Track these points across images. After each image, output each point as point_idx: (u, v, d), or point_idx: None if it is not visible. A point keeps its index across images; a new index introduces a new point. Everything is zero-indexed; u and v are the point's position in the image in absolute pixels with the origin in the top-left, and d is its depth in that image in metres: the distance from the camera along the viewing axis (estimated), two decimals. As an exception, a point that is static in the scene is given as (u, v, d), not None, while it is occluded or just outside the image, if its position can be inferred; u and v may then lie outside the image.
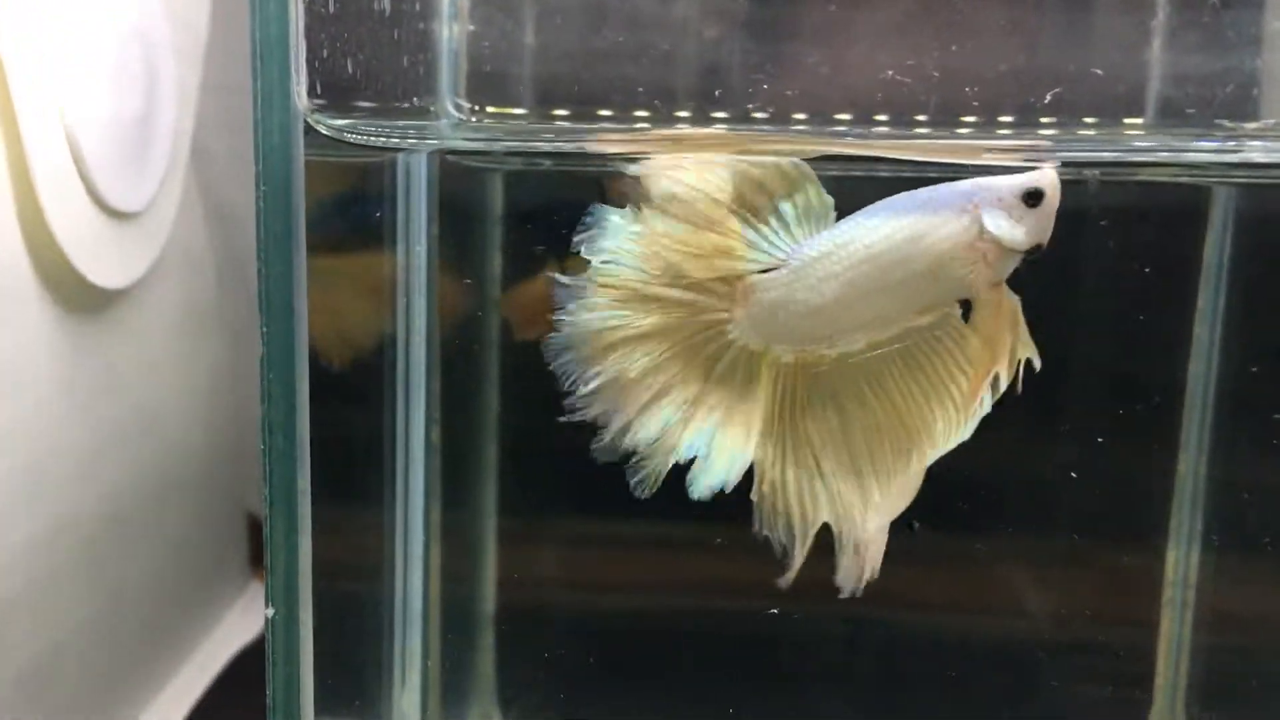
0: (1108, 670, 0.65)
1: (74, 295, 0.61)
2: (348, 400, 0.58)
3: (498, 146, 0.56)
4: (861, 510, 0.48)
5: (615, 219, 0.46)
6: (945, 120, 0.51)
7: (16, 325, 0.57)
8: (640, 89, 0.53)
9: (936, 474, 0.52)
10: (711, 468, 0.49)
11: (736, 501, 0.64)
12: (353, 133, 0.48)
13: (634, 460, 0.50)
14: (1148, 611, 0.63)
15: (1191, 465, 0.62)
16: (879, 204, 0.45)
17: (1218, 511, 0.62)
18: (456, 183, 0.60)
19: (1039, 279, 0.59)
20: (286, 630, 0.46)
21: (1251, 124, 0.54)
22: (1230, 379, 0.61)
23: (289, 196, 0.42)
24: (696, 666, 0.66)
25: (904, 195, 0.44)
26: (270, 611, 0.45)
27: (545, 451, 0.65)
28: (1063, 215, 0.60)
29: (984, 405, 0.46)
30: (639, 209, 0.45)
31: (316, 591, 0.54)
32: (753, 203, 0.45)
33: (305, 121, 0.43)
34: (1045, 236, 0.45)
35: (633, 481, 0.49)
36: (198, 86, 0.71)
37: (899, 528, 0.50)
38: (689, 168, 0.44)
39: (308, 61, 0.44)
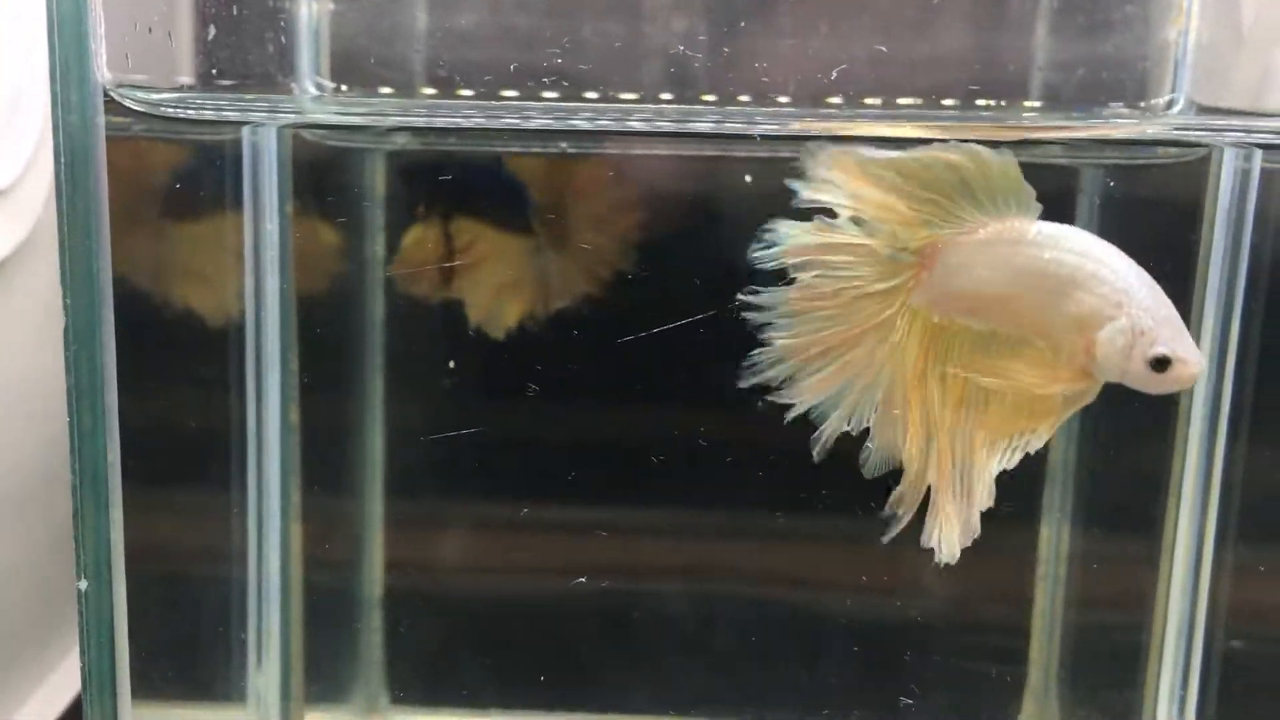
0: (984, 647, 0.65)
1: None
2: (193, 380, 0.58)
3: (354, 121, 0.56)
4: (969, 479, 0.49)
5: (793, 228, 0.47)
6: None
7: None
8: (515, 71, 0.54)
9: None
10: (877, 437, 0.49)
11: (625, 484, 0.65)
12: (177, 106, 0.48)
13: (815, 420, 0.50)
14: (1022, 588, 0.63)
15: (1062, 446, 0.62)
16: (1089, 236, 0.46)
17: (1087, 489, 0.63)
18: (321, 162, 0.61)
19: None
20: (99, 603, 0.46)
21: (1128, 105, 0.54)
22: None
23: (89, 170, 0.43)
24: (584, 648, 0.67)
25: (1108, 246, 0.46)
26: (83, 584, 0.46)
27: (432, 432, 0.66)
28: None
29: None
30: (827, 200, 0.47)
31: (159, 573, 0.54)
32: (956, 178, 0.46)
33: (108, 95, 0.43)
34: (1144, 389, 0.45)
35: (813, 445, 0.49)
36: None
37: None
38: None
39: (114, 35, 0.44)
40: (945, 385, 0.48)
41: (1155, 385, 0.44)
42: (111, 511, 0.46)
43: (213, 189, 0.55)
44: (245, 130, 0.54)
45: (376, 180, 0.63)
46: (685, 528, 0.66)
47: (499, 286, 0.64)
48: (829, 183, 0.46)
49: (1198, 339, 0.54)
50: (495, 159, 0.62)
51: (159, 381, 0.56)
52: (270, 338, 0.57)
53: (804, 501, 0.63)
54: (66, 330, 0.44)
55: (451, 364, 0.63)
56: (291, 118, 0.54)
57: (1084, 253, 0.45)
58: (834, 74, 0.51)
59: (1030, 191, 0.46)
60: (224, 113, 0.51)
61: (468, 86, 0.55)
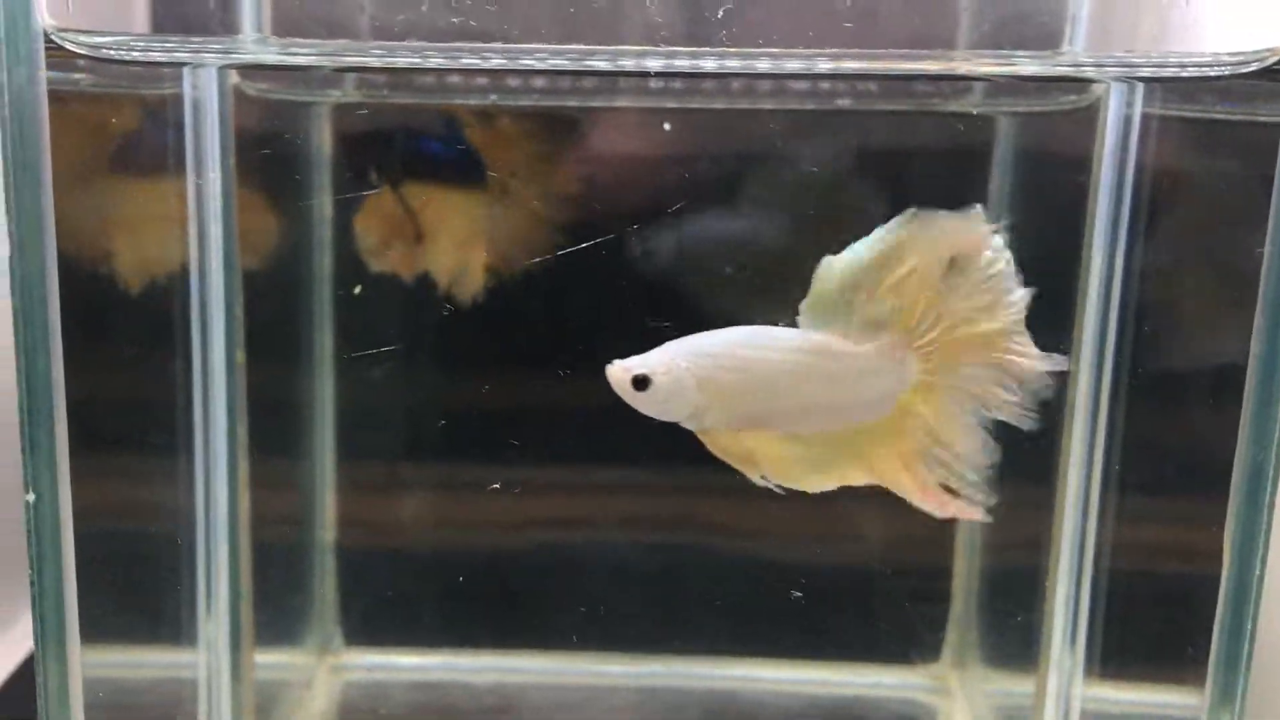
0: (909, 577, 0.68)
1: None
2: (139, 328, 0.60)
3: (291, 61, 0.57)
4: None
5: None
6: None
7: None
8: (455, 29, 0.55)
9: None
10: None
11: (569, 443, 0.67)
12: (118, 49, 0.50)
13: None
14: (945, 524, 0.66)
15: None
16: None
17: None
18: (263, 115, 0.63)
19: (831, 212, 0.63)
20: (47, 516, 0.48)
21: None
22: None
23: (34, 118, 0.45)
24: (527, 596, 0.69)
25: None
26: (31, 497, 0.47)
27: (380, 382, 0.67)
28: (846, 149, 0.64)
29: None
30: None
31: (108, 524, 0.56)
32: None
33: (50, 40, 0.45)
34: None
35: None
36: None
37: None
38: None
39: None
40: None
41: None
42: (57, 428, 0.47)
43: (155, 139, 0.57)
44: (186, 76, 0.55)
45: (317, 134, 0.65)
46: (631, 480, 0.69)
47: (453, 243, 0.66)
48: None
49: (1085, 282, 0.57)
50: (442, 115, 0.63)
51: (105, 329, 0.58)
52: (214, 285, 0.59)
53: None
54: (12, 275, 0.46)
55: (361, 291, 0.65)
56: (232, 59, 0.55)
57: None
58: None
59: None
60: (171, 54, 0.52)
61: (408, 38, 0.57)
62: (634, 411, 0.59)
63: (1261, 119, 0.46)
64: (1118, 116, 0.54)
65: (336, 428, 0.70)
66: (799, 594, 0.63)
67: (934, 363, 0.48)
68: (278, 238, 0.65)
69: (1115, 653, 0.59)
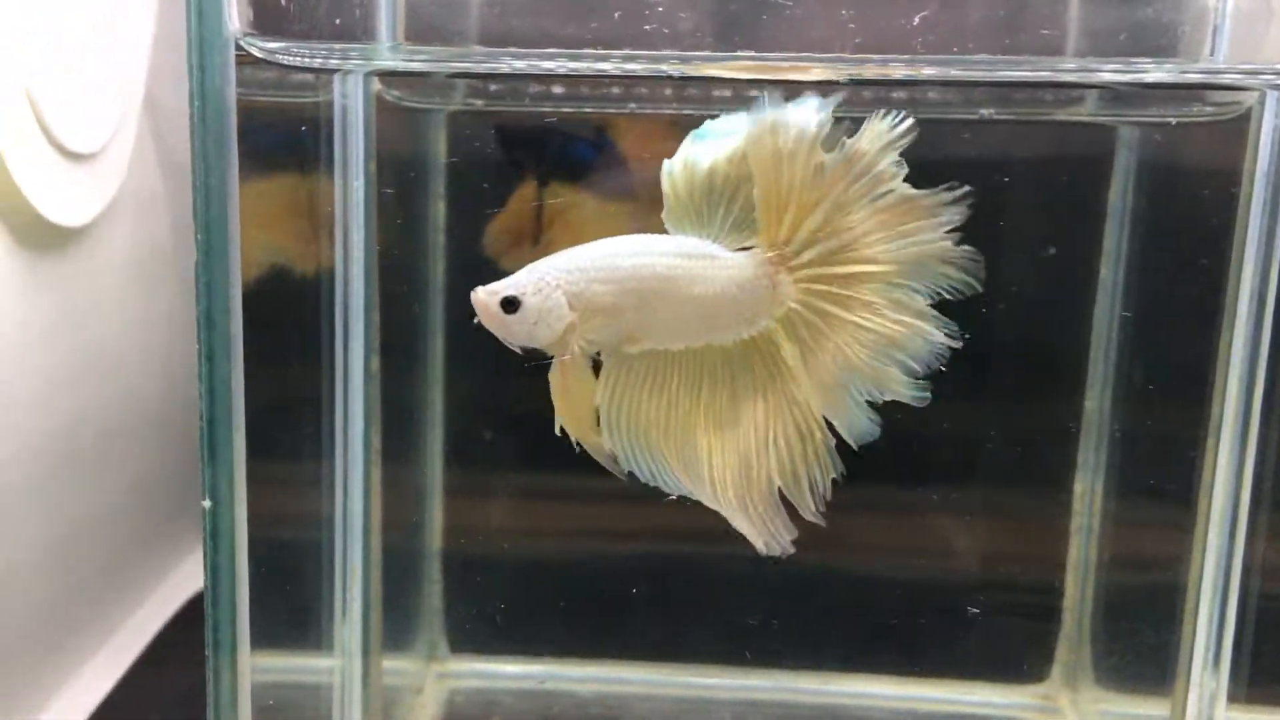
0: (1021, 595, 0.68)
1: (30, 232, 0.64)
2: (282, 328, 0.60)
3: (438, 68, 0.57)
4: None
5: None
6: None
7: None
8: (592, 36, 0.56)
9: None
10: None
11: None
12: (287, 55, 0.50)
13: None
14: (1057, 539, 0.66)
15: (1098, 400, 0.64)
16: None
17: (1121, 444, 0.65)
18: (398, 124, 0.63)
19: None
20: (226, 520, 0.48)
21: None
22: (1134, 320, 0.64)
23: (222, 121, 0.45)
24: (631, 606, 0.69)
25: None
26: (208, 503, 0.47)
27: (490, 396, 0.67)
28: (973, 159, 0.64)
29: None
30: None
31: (255, 529, 0.56)
32: None
33: (238, 45, 0.45)
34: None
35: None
36: (151, 36, 0.74)
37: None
38: None
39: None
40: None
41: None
42: (235, 435, 0.47)
43: (304, 145, 0.57)
44: (336, 82, 0.56)
45: (446, 141, 0.65)
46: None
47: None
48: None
49: (1235, 295, 0.56)
50: (577, 121, 0.63)
51: (257, 336, 0.58)
52: (356, 291, 0.59)
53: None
54: (198, 279, 0.46)
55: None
56: (372, 64, 0.55)
57: None
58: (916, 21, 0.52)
59: None
60: (319, 60, 0.53)
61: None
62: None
63: None
64: (1272, 128, 0.54)
65: (445, 434, 0.70)
66: (921, 614, 0.62)
67: (809, 296, 0.46)
68: (408, 244, 0.65)
69: (1261, 675, 0.58)
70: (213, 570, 0.48)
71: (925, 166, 0.64)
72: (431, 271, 0.67)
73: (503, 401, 0.68)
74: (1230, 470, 0.57)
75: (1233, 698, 0.58)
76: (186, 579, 0.86)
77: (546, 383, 0.67)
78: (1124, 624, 0.66)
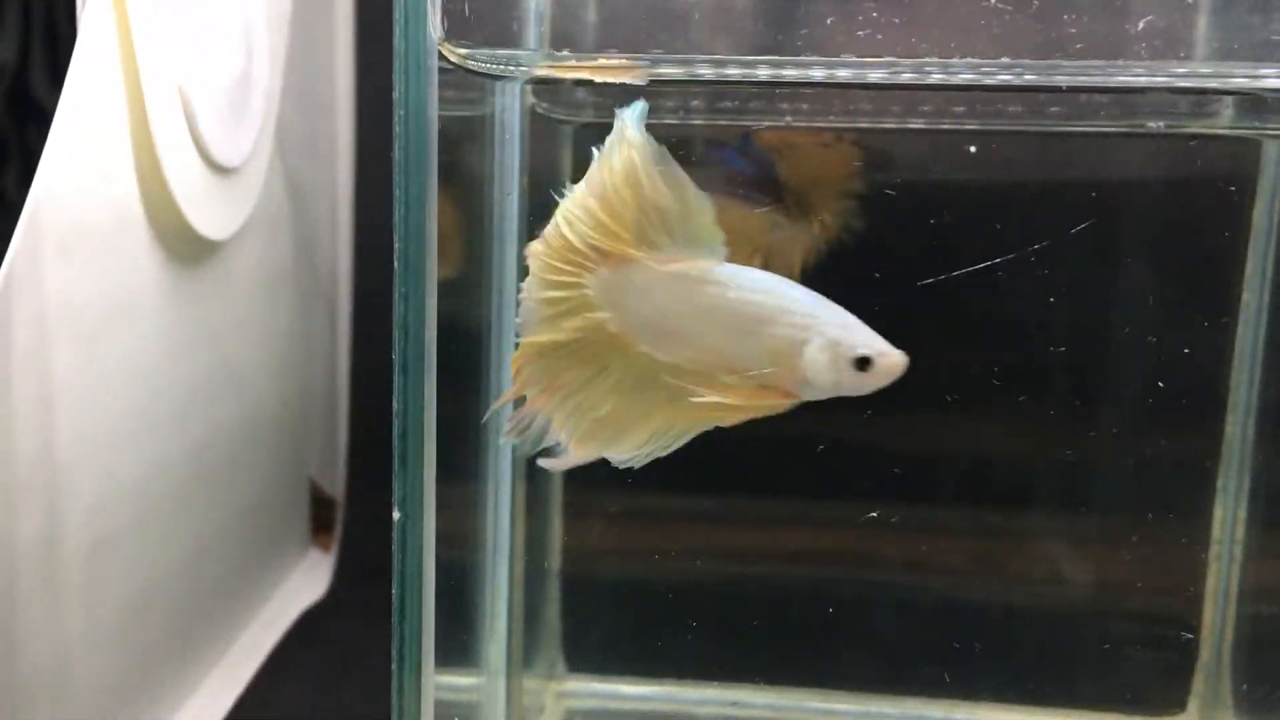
0: (1157, 623, 0.67)
1: (181, 244, 0.64)
2: (448, 343, 0.60)
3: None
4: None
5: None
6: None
7: (131, 270, 0.59)
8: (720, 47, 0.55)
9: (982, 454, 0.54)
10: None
11: (790, 474, 0.67)
12: (474, 60, 0.50)
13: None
14: (1195, 567, 0.65)
15: (1239, 426, 0.63)
16: (767, 274, 0.48)
17: (1263, 470, 0.64)
18: (546, 137, 0.63)
19: (1078, 238, 0.62)
20: (411, 537, 0.48)
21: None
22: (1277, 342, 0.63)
23: (424, 129, 0.45)
24: (741, 626, 0.68)
25: (788, 283, 0.48)
26: (398, 515, 0.47)
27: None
28: (1107, 176, 0.63)
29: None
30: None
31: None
32: (660, 207, 0.48)
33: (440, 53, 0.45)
34: (860, 393, 0.48)
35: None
36: (284, 54, 0.74)
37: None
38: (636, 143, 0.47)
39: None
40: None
41: (869, 383, 0.47)
42: (426, 447, 0.47)
43: (471, 155, 0.57)
44: (498, 89, 0.56)
45: (572, 152, 0.65)
46: (860, 516, 0.68)
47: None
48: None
49: None
50: (742, 134, 0.63)
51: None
52: (508, 306, 0.59)
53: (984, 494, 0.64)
54: (397, 291, 0.46)
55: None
56: (542, 72, 0.55)
57: (766, 289, 0.47)
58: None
59: (720, 235, 0.48)
60: (501, 66, 0.53)
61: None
62: (866, 443, 0.59)
63: None
64: None
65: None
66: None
67: None
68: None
69: None
70: (400, 583, 0.48)
71: (1050, 185, 0.64)
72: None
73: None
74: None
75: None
76: (297, 594, 0.85)
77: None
78: (1264, 655, 0.65)
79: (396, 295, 0.46)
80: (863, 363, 0.47)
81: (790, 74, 0.55)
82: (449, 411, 0.58)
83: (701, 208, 0.47)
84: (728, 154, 0.63)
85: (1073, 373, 0.64)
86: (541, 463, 0.51)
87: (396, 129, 0.45)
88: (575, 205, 0.47)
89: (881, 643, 0.67)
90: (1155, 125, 0.59)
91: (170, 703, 0.69)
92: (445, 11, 0.49)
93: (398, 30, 0.44)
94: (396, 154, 0.45)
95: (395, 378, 0.46)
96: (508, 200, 0.58)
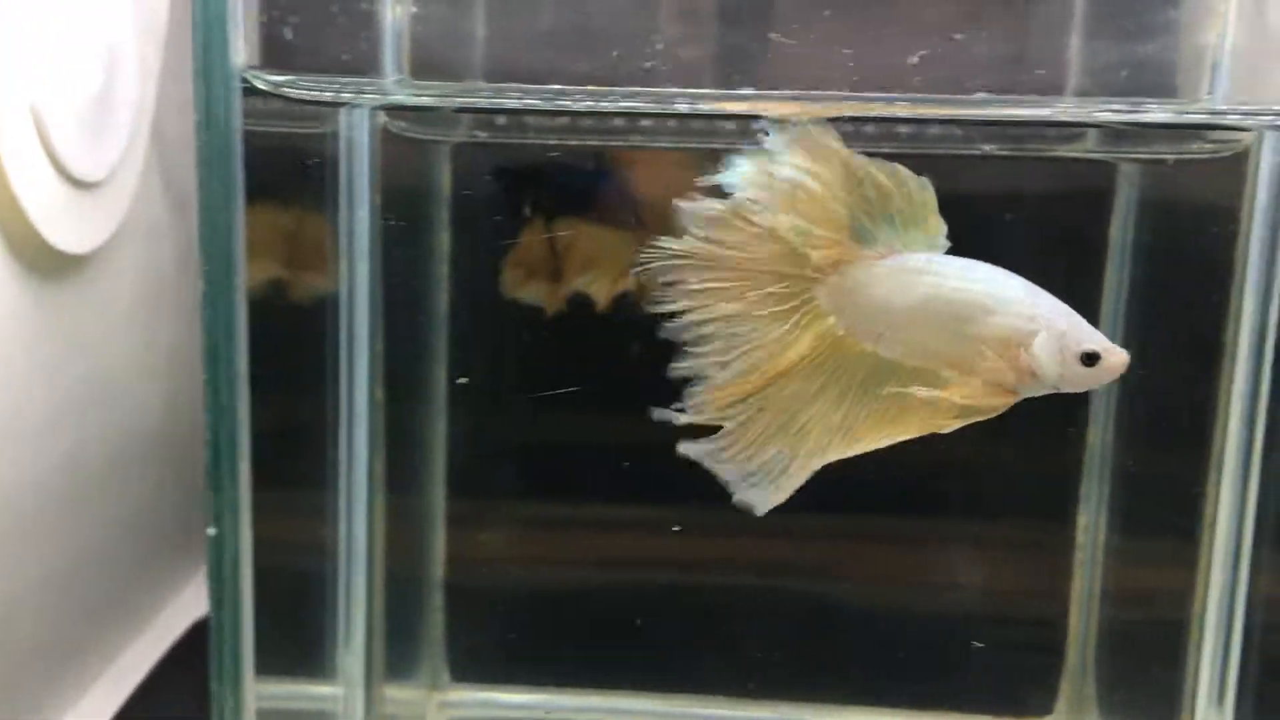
0: (1025, 628, 0.68)
1: (37, 259, 0.64)
2: (289, 357, 0.61)
3: (445, 103, 0.58)
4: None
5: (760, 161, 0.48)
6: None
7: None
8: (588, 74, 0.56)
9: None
10: (709, 388, 0.50)
11: (685, 482, 0.67)
12: (293, 88, 0.50)
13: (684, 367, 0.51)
14: (1061, 572, 0.66)
15: (1100, 433, 0.64)
16: (987, 265, 0.48)
17: (1123, 477, 0.65)
18: (403, 156, 0.63)
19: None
20: (230, 548, 0.48)
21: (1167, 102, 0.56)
22: (1134, 354, 0.64)
23: (229, 149, 0.45)
24: (632, 635, 0.69)
25: (1007, 272, 0.48)
26: (212, 531, 0.48)
27: (495, 426, 0.67)
28: (973, 193, 0.64)
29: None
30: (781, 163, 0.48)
31: (258, 557, 0.56)
32: (877, 196, 0.47)
33: (243, 78, 0.46)
34: (1074, 390, 0.48)
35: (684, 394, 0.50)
36: (159, 67, 0.74)
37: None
38: (833, 142, 0.47)
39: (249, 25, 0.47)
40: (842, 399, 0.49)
41: (1090, 380, 0.47)
42: (240, 464, 0.48)
43: (309, 177, 0.58)
44: (341, 115, 0.56)
45: (449, 172, 0.65)
46: (741, 520, 0.69)
47: (586, 280, 0.66)
48: (783, 156, 0.47)
49: (1236, 330, 0.56)
50: (582, 152, 0.64)
51: (263, 365, 0.59)
52: (360, 321, 0.59)
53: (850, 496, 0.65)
54: (204, 308, 0.46)
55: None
56: (383, 98, 0.56)
57: (987, 279, 0.47)
58: (914, 60, 0.53)
59: (942, 224, 0.48)
60: (327, 93, 0.53)
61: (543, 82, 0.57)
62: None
63: None
64: (1271, 165, 0.54)
65: (448, 463, 0.70)
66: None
67: None
68: (413, 274, 0.65)
69: (1267, 712, 0.58)
70: (216, 598, 0.48)
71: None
72: (436, 301, 0.68)
73: (510, 427, 0.68)
74: (1233, 505, 0.57)
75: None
76: (187, 608, 0.86)
77: (548, 412, 0.68)
78: (1128, 659, 0.66)
79: (203, 313, 0.46)
80: (1090, 358, 0.46)
81: (645, 106, 0.56)
82: (296, 423, 0.59)
83: (925, 186, 0.47)
84: (589, 176, 0.64)
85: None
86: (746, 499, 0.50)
87: (199, 153, 0.46)
88: (768, 219, 0.47)
89: (758, 649, 0.68)
90: (989, 148, 0.60)
91: (42, 717, 0.69)
92: (270, 35, 0.50)
93: (196, 54, 0.44)
94: (199, 177, 0.45)
95: (205, 396, 0.47)
96: (358, 219, 0.58)
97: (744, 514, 0.66)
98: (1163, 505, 0.63)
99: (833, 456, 0.49)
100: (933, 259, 0.47)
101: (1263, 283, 0.53)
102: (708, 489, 0.65)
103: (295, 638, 0.60)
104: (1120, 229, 0.63)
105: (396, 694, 0.70)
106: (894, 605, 0.67)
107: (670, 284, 0.49)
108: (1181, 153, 0.60)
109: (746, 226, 0.47)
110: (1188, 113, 0.55)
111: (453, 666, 0.72)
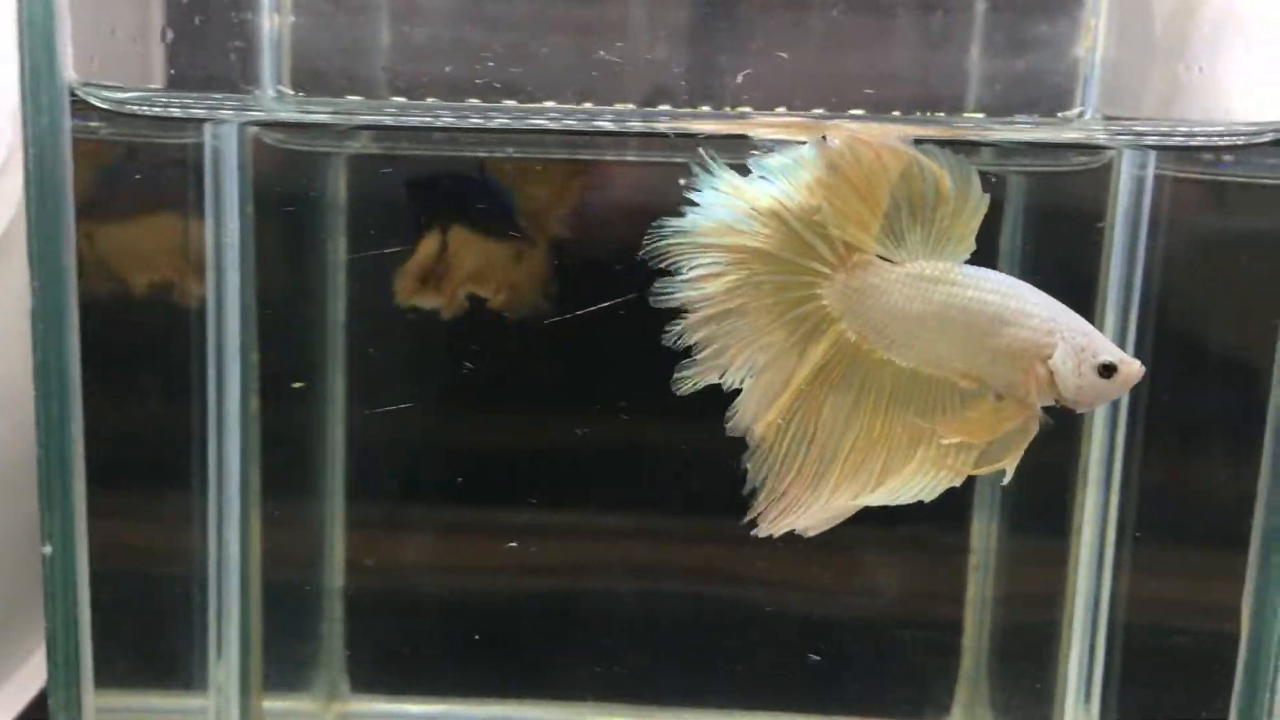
0: (923, 632, 0.68)
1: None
2: (156, 373, 0.61)
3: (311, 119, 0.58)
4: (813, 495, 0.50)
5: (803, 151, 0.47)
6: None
7: None
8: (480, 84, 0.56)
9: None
10: (743, 404, 0.50)
11: (578, 491, 0.68)
12: (141, 105, 0.50)
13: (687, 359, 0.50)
14: (956, 576, 0.66)
15: None
16: (1004, 275, 0.48)
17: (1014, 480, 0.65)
18: (282, 165, 0.63)
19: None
20: (61, 570, 0.48)
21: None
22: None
23: (56, 167, 0.45)
24: (535, 643, 0.69)
25: (1022, 283, 0.47)
26: (48, 549, 0.47)
27: (396, 434, 0.68)
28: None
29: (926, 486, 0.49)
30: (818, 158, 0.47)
31: (121, 567, 0.56)
32: (912, 196, 0.47)
33: (74, 94, 0.46)
34: (1089, 407, 0.48)
35: (676, 377, 0.50)
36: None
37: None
38: (877, 142, 0.46)
39: (81, 39, 0.47)
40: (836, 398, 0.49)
41: (1107, 392, 0.46)
42: (75, 481, 0.48)
43: (174, 188, 0.57)
44: (207, 128, 0.56)
45: (333, 183, 0.65)
46: (634, 526, 0.69)
47: (470, 288, 0.66)
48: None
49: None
50: (464, 164, 0.64)
51: (123, 375, 0.59)
52: (231, 332, 0.59)
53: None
54: (34, 322, 0.46)
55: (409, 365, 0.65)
56: (253, 115, 0.56)
57: (1005, 291, 0.47)
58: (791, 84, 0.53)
59: (971, 244, 0.48)
60: (189, 111, 0.53)
61: (425, 96, 0.57)
62: (649, 456, 0.59)
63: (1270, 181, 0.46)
64: (1130, 178, 0.55)
65: (346, 473, 0.70)
66: (815, 655, 0.63)
67: None
68: (293, 285, 0.65)
69: (1132, 711, 0.58)
70: (51, 617, 0.48)
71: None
72: (332, 311, 0.68)
73: (406, 438, 0.68)
74: (1097, 508, 0.57)
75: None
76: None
77: (449, 420, 0.68)
78: (1015, 661, 0.66)
79: (33, 329, 0.46)
80: (1107, 370, 0.46)
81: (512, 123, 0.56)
82: (160, 435, 0.59)
83: (983, 201, 0.46)
84: (466, 185, 0.64)
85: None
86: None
87: (26, 171, 0.45)
88: (788, 213, 0.46)
89: (658, 655, 0.68)
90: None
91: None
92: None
93: (22, 71, 0.44)
94: (27, 194, 0.45)
95: (36, 412, 0.47)
96: (228, 230, 0.58)
97: (652, 519, 0.67)
98: (1040, 508, 0.63)
99: (870, 486, 0.50)
100: (950, 268, 0.47)
101: (1122, 292, 0.54)
102: (612, 492, 0.66)
103: (161, 650, 0.60)
104: (1010, 237, 0.63)
105: (288, 705, 0.70)
106: (796, 610, 0.67)
107: (673, 266, 0.48)
108: (1056, 166, 0.61)
109: (760, 215, 0.47)
110: (1050, 128, 0.55)
111: (353, 677, 0.72)
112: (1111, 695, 0.58)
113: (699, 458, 0.64)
